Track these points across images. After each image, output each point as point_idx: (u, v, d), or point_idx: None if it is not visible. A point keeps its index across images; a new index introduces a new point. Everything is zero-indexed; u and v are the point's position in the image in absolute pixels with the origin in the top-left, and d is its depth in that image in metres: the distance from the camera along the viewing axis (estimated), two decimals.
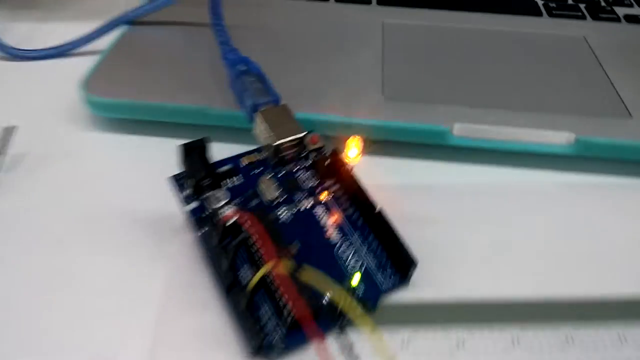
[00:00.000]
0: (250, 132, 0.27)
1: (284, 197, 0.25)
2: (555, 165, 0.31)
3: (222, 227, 0.21)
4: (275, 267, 0.18)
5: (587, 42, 0.38)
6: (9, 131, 0.28)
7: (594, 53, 0.37)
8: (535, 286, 0.24)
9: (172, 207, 0.25)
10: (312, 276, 0.17)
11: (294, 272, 0.18)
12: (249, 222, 0.19)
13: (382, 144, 0.29)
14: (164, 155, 0.25)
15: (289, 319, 0.20)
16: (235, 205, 0.24)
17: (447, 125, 0.29)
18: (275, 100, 0.27)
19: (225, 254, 0.21)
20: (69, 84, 0.31)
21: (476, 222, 0.27)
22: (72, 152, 0.28)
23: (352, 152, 0.25)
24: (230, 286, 0.21)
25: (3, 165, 0.27)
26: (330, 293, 0.17)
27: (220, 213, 0.23)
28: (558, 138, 0.29)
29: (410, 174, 0.30)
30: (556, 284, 0.24)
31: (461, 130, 0.29)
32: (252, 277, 0.19)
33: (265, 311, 0.21)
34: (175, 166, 0.25)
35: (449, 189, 0.29)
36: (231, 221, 0.21)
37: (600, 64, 0.36)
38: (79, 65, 0.32)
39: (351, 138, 0.25)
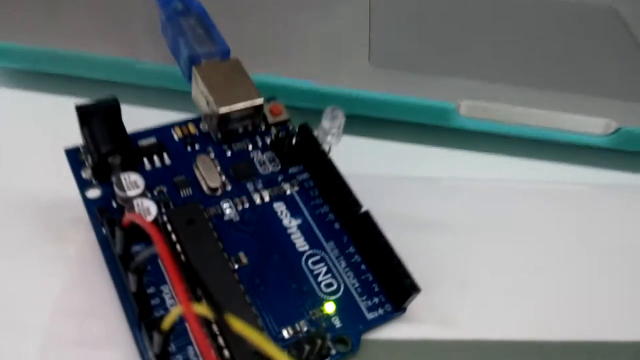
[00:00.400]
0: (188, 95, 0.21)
1: (232, 185, 0.19)
2: (587, 160, 0.26)
3: (124, 234, 0.15)
4: (187, 311, 0.12)
5: (617, 13, 0.33)
6: None
7: (627, 27, 0.32)
8: (573, 327, 0.19)
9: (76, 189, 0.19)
10: (238, 326, 0.12)
11: (219, 315, 0.12)
12: (154, 239, 0.13)
13: (367, 122, 0.24)
14: (74, 120, 0.19)
15: None
16: (156, 196, 0.18)
17: (452, 101, 0.24)
18: (223, 53, 0.21)
19: (133, 272, 0.14)
20: None
21: (488, 231, 0.22)
22: None
23: (330, 127, 0.19)
24: (141, 316, 0.15)
25: None
26: (262, 349, 0.11)
27: (134, 205, 0.17)
28: (594, 126, 0.25)
29: (404, 163, 0.24)
30: (594, 326, 0.19)
31: (470, 109, 0.24)
32: (167, 315, 0.13)
33: (193, 354, 0.15)
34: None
35: (454, 184, 0.24)
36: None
37: (636, 40, 0.31)
38: None
39: (329, 108, 0.19)
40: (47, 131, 0.22)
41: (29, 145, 0.22)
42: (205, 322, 0.15)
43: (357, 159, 0.23)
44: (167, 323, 0.13)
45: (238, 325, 0.12)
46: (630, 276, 0.21)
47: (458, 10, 0.31)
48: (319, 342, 0.15)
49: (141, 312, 0.15)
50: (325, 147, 0.19)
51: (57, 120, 0.21)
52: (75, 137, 0.19)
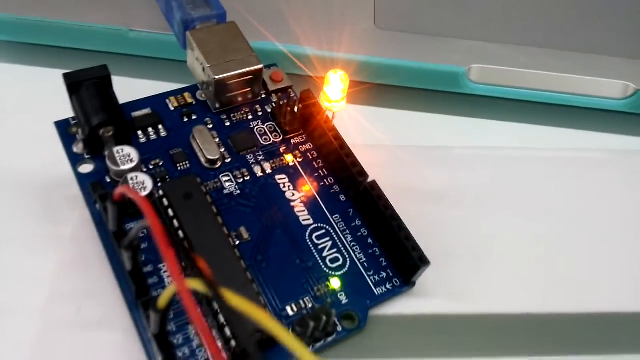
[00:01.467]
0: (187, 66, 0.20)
1: (231, 157, 0.19)
2: (605, 126, 0.25)
3: (117, 209, 0.14)
4: (180, 287, 0.11)
5: None
6: None
7: None
8: (584, 300, 0.19)
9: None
10: (235, 302, 0.11)
11: (214, 292, 0.11)
12: (144, 211, 0.12)
13: (373, 89, 0.24)
14: (65, 93, 0.18)
15: (235, 350, 0.14)
16: (152, 169, 0.18)
17: (461, 66, 0.24)
18: (220, 16, 0.20)
19: (126, 249, 0.14)
20: None
21: (500, 201, 0.21)
22: None
23: (334, 92, 0.18)
24: (137, 295, 0.15)
25: None
26: (264, 324, 0.11)
27: (128, 179, 0.16)
28: (611, 89, 0.24)
29: (412, 132, 0.24)
30: (612, 298, 0.19)
31: (481, 74, 0.24)
32: (163, 293, 0.13)
33: (187, 338, 0.15)
34: None
35: (464, 153, 0.23)
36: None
37: None
38: None
39: (332, 72, 0.18)
40: (38, 106, 0.21)
41: (20, 120, 0.21)
42: (206, 300, 0.14)
43: (362, 128, 0.23)
44: (163, 301, 0.12)
45: (235, 300, 0.11)
46: None
47: None
48: (324, 318, 0.15)
49: (138, 291, 0.14)
50: (329, 115, 0.19)
51: (48, 94, 0.21)
52: (67, 111, 0.18)
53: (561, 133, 0.25)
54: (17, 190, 0.19)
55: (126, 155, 0.17)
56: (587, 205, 0.21)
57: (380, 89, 0.24)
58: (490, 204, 0.21)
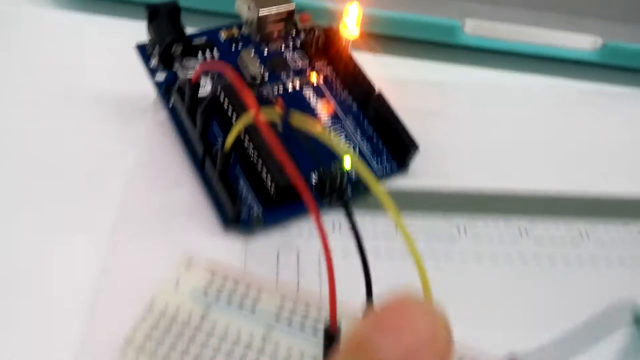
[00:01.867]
0: (229, 18, 0.26)
1: (268, 75, 0.25)
2: (576, 73, 0.30)
3: (193, 88, 0.21)
4: (257, 116, 0.17)
5: None
6: None
7: None
8: (544, 181, 0.24)
9: (143, 88, 0.25)
10: (299, 120, 0.17)
11: (285, 113, 0.17)
12: (223, 69, 0.18)
13: (381, 40, 0.29)
14: (135, 37, 0.25)
15: (272, 190, 0.20)
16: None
17: (458, 20, 0.29)
18: None
19: (197, 121, 0.20)
20: None
21: (486, 120, 0.27)
22: (34, 31, 0.29)
23: (351, 21, 0.25)
24: (204, 155, 0.21)
25: None
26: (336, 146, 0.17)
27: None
28: (583, 42, 0.30)
29: (412, 74, 0.29)
30: (567, 181, 0.25)
31: (474, 28, 0.29)
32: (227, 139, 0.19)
33: (244, 183, 0.21)
34: None
35: (458, 87, 0.29)
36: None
37: None
38: None
39: (349, 3, 0.25)
40: (117, 46, 0.26)
41: (104, 57, 0.28)
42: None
43: (372, 67, 0.29)
44: (228, 142, 0.19)
45: (307, 122, 0.17)
46: (601, 152, 0.26)
47: None
48: (339, 178, 0.21)
49: (205, 148, 0.21)
50: (347, 45, 0.25)
51: (122, 38, 0.26)
52: (131, 52, 0.25)
53: (541, 79, 0.30)
54: (105, 102, 0.25)
55: (192, 65, 0.24)
56: (557, 124, 0.27)
57: (387, 40, 0.29)
58: (478, 120, 0.26)
